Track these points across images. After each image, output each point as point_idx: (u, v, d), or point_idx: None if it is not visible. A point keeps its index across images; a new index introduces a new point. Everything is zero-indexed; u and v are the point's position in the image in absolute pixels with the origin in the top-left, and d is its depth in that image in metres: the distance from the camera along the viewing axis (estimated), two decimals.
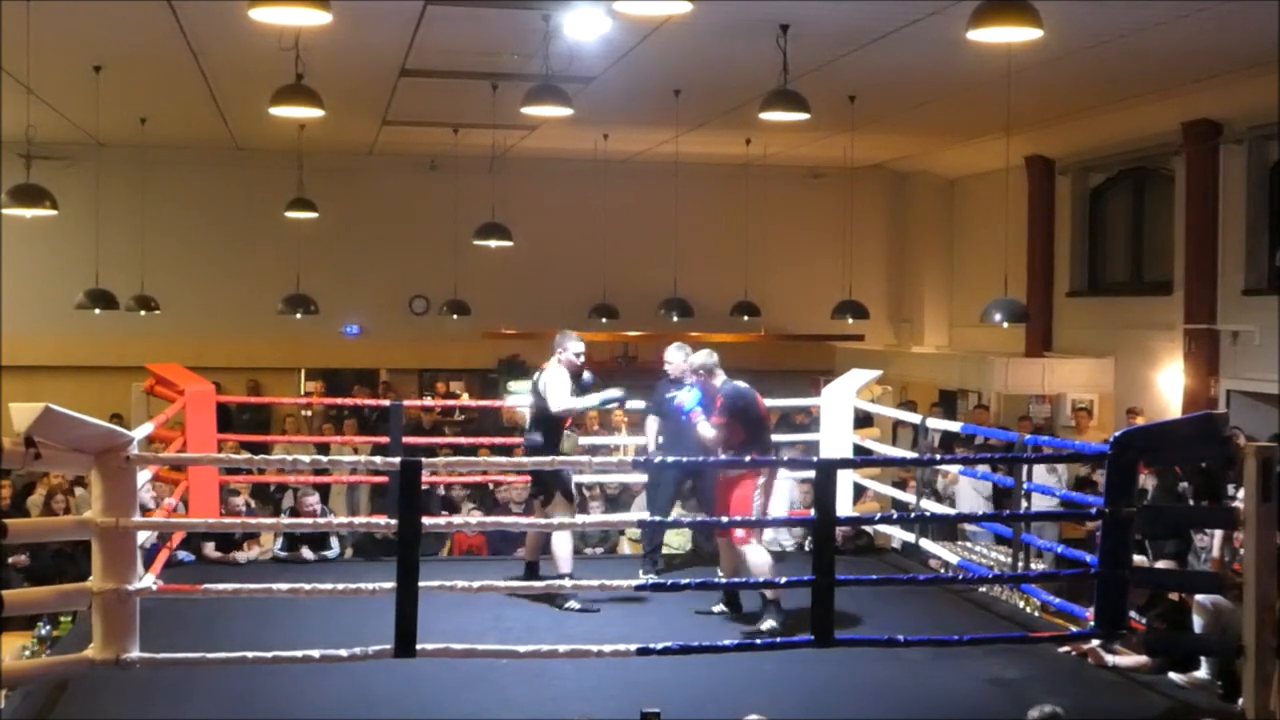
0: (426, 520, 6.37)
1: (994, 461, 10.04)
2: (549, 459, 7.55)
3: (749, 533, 7.47)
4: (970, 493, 11.75)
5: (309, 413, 17.78)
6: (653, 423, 9.03)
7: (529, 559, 8.48)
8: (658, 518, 8.70)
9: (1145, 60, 11.48)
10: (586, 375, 8.29)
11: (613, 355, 18.05)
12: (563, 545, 7.99)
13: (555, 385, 8.02)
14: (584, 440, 9.62)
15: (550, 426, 8.03)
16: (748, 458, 7.41)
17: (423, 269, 18.68)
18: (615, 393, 8.35)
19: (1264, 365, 12.87)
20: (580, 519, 8.00)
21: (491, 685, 6.29)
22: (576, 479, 8.40)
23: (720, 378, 7.64)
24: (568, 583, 7.65)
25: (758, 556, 7.40)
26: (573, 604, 7.80)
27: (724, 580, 7.68)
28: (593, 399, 8.23)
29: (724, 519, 7.36)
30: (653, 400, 9.05)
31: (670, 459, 8.02)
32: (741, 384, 7.68)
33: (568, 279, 18.05)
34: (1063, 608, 7.65)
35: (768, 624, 7.23)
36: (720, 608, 7.77)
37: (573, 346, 8.17)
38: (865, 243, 19.58)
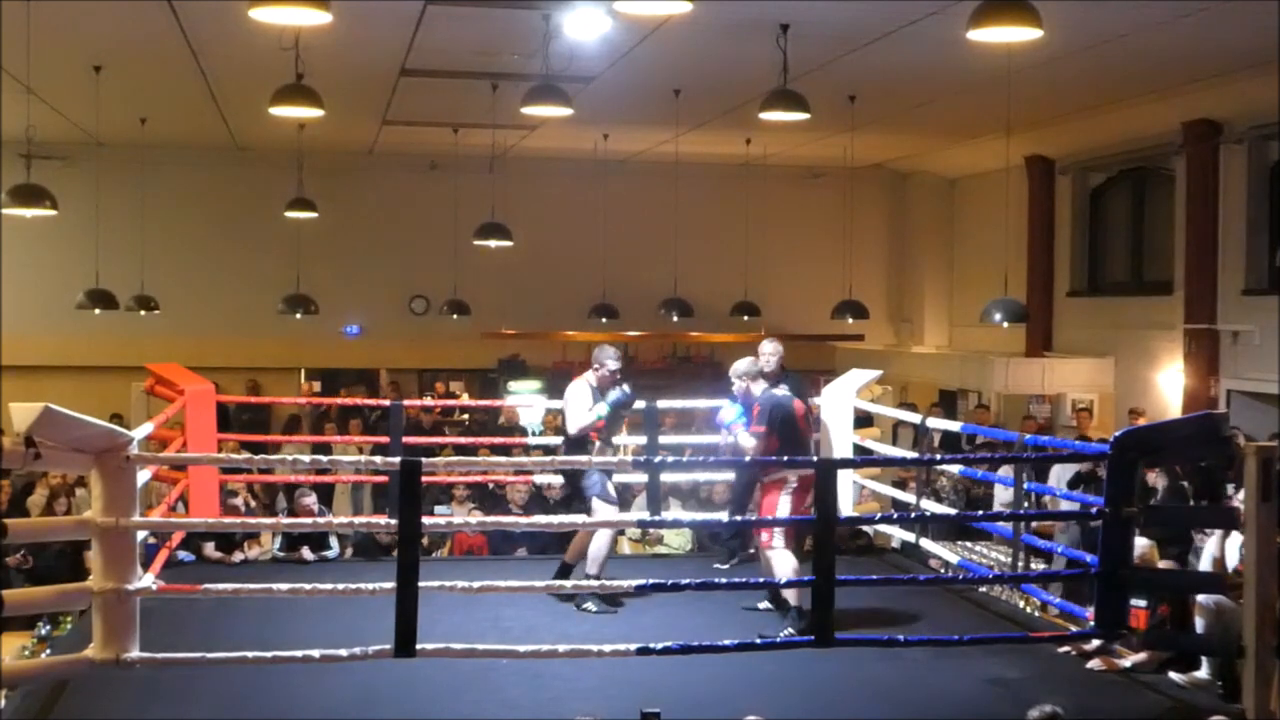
0: (426, 520, 6.37)
1: (996, 461, 10.01)
2: (540, 460, 7.52)
3: (772, 536, 7.48)
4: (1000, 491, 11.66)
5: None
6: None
7: (568, 560, 8.15)
8: (739, 517, 8.52)
9: (1145, 60, 11.47)
10: (624, 389, 7.95)
11: None
12: (597, 546, 7.90)
13: (572, 404, 7.98)
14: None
15: (574, 442, 7.99)
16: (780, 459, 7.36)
17: (423, 269, 18.66)
18: (618, 394, 7.98)
19: (1264, 365, 12.87)
20: (580, 519, 7.94)
21: (491, 685, 6.29)
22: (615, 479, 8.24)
23: (761, 385, 7.68)
24: (593, 583, 7.59)
25: (781, 561, 7.41)
26: (589, 605, 7.76)
27: (724, 582, 7.67)
28: (601, 407, 7.89)
29: (722, 519, 7.34)
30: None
31: (671, 459, 8.01)
32: (781, 393, 7.69)
33: (568, 279, 18.02)
34: (1063, 607, 7.65)
35: (785, 631, 7.13)
36: (766, 605, 7.75)
37: (610, 363, 8.05)
38: (865, 243, 19.58)
